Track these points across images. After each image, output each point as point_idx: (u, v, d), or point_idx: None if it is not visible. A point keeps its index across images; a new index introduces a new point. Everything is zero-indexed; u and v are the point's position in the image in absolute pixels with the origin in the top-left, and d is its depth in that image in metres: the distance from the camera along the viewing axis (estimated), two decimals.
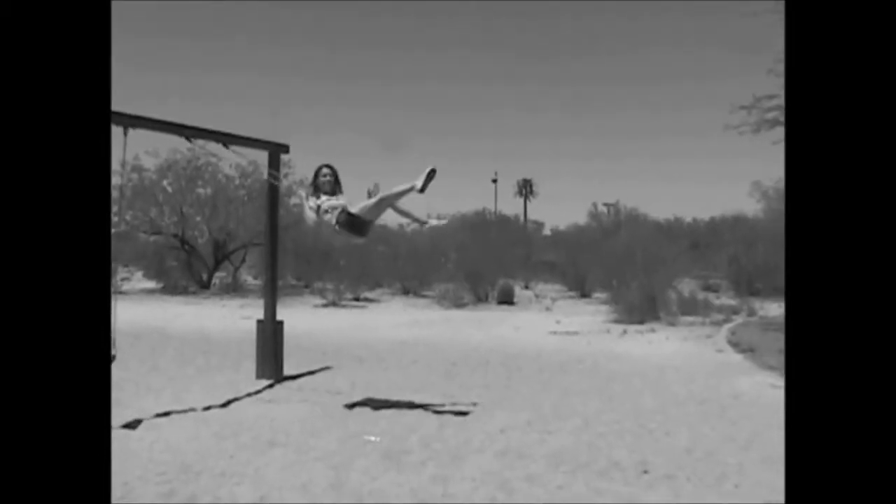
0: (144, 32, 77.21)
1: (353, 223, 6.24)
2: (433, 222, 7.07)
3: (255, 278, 25.67)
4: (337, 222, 6.28)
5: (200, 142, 8.43)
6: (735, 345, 11.59)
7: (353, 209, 6.23)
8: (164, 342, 11.71)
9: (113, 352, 8.39)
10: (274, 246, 9.35)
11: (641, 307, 15.15)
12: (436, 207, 58.34)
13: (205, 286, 24.39)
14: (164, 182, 24.08)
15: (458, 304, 19.19)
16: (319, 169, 6.70)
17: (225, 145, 8.70)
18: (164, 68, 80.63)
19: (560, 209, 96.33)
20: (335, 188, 6.60)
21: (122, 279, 23.66)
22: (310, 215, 6.54)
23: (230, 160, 24.11)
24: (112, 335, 8.19)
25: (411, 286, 22.74)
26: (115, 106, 6.92)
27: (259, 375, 8.72)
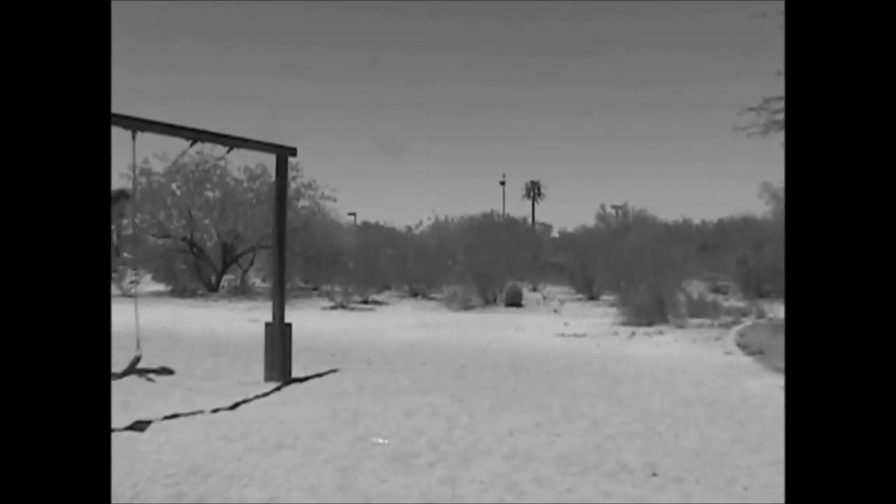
0: (151, 34, 77.48)
1: None
2: None
3: (264, 281, 25.77)
4: None
5: (208, 146, 8.50)
6: (744, 347, 11.54)
7: None
8: (173, 345, 11.74)
9: (138, 353, 8.56)
10: (282, 249, 9.37)
11: (650, 309, 15.11)
12: (444, 210, 58.38)
13: (213, 289, 24.46)
14: (173, 185, 24.17)
15: (466, 307, 19.18)
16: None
17: (230, 149, 8.74)
18: (167, 69, 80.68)
19: (568, 211, 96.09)
20: None
21: (131, 282, 23.74)
22: None
23: (234, 163, 24.25)
24: (136, 336, 8.41)
25: (419, 288, 22.75)
26: (121, 109, 6.96)
27: (267, 378, 8.74)
